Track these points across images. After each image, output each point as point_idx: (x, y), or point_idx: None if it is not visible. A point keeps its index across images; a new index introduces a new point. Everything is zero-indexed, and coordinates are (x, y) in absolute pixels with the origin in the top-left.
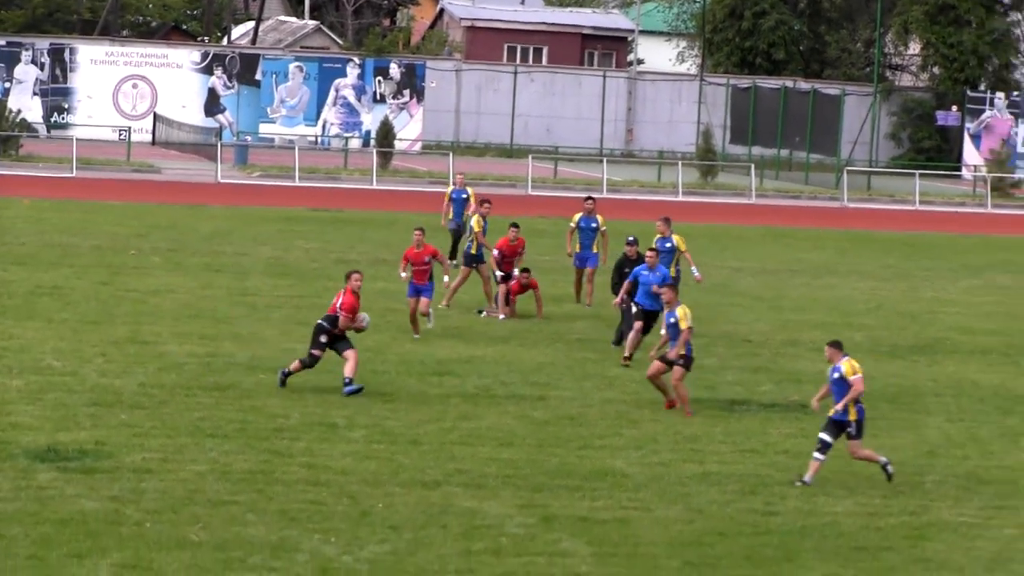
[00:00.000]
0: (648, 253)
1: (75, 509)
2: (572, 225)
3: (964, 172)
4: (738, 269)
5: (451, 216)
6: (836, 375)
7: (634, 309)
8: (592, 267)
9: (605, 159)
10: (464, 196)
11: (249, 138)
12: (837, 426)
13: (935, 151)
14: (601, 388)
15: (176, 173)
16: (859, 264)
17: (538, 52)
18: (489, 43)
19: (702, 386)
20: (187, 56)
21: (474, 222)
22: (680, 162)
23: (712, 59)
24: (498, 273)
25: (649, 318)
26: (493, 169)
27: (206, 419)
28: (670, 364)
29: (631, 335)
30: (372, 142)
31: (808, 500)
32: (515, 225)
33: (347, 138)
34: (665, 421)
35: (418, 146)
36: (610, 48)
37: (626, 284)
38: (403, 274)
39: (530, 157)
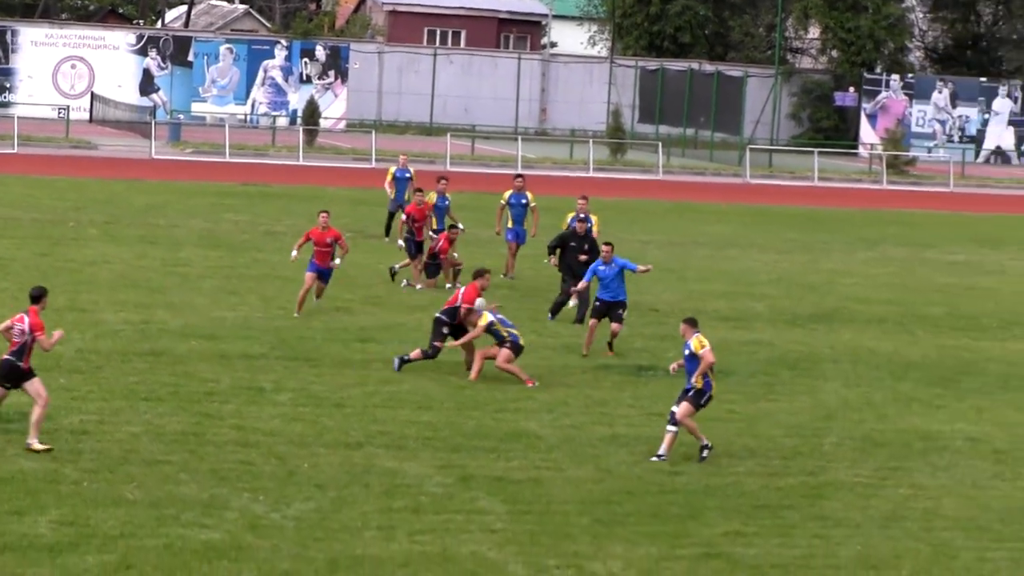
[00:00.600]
0: (604, 247)
1: (15, 468)
2: (502, 202)
3: (861, 150)
4: (646, 242)
5: (394, 195)
6: (687, 351)
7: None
8: (523, 243)
9: (520, 137)
10: (407, 176)
11: (182, 116)
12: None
13: (833, 130)
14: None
15: (112, 150)
16: (761, 237)
17: (456, 35)
18: (410, 27)
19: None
20: (123, 38)
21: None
22: (591, 140)
23: (622, 43)
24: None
25: (610, 309)
26: (413, 146)
27: (141, 383)
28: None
29: (588, 334)
30: (298, 120)
31: (712, 461)
32: (419, 190)
33: (275, 116)
34: (576, 386)
35: (342, 124)
36: (525, 32)
37: (583, 283)
38: (294, 252)
39: (448, 135)
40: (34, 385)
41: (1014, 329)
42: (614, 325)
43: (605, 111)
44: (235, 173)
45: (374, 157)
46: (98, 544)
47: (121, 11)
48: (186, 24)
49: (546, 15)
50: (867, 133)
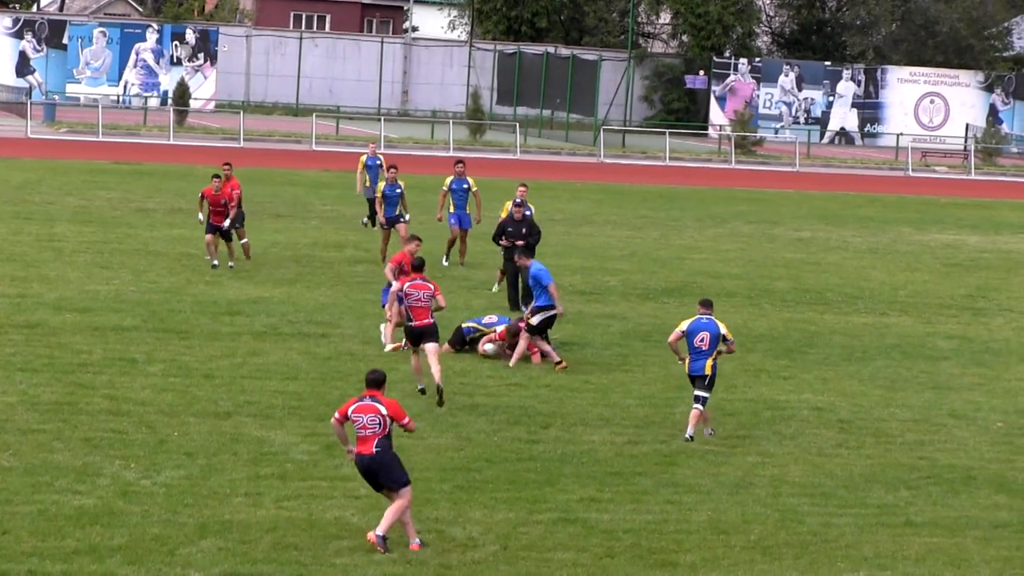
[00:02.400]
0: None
1: None
2: (444, 188)
3: (710, 131)
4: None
5: (368, 183)
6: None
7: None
8: (467, 227)
9: (383, 118)
10: (378, 163)
11: (57, 97)
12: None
13: (684, 112)
14: (377, 327)
15: None
16: (615, 215)
17: (321, 20)
18: (277, 11)
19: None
20: (0, 22)
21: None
22: (451, 121)
23: (481, 27)
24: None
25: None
26: (280, 127)
27: (16, 354)
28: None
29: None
30: (169, 101)
31: (567, 430)
32: (217, 176)
33: (146, 97)
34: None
35: (212, 105)
36: (387, 16)
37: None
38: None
39: (314, 116)
40: None
41: (857, 303)
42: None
43: (465, 93)
44: (108, 152)
45: (242, 136)
46: None
47: None
48: (61, 8)
49: (408, 0)
50: (716, 115)
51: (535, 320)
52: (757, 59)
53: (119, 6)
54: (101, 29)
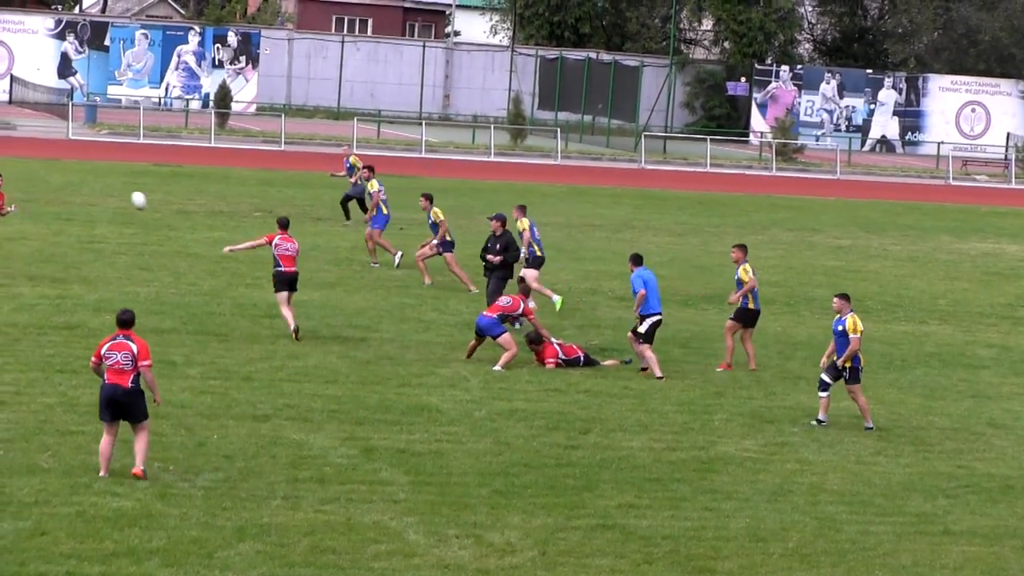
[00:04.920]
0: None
1: None
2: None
3: (751, 138)
4: (544, 224)
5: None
6: (839, 327)
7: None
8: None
9: (424, 122)
10: (348, 165)
11: (98, 99)
12: (836, 370)
13: (725, 118)
14: (418, 331)
15: (31, 130)
16: (655, 220)
17: (364, 23)
18: (319, 14)
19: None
20: (42, 23)
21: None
22: (492, 126)
23: (523, 32)
24: None
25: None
26: (321, 130)
27: (56, 356)
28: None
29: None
30: (211, 104)
31: (606, 435)
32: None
33: (188, 100)
34: (476, 362)
35: (253, 108)
36: (429, 20)
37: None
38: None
39: (355, 119)
40: None
41: (896, 311)
42: None
43: (506, 98)
44: (149, 154)
45: (283, 140)
46: (13, 511)
47: None
48: (103, 10)
49: (450, 5)
50: (757, 122)
51: (643, 328)
52: (799, 66)
53: (161, 8)
54: (143, 31)
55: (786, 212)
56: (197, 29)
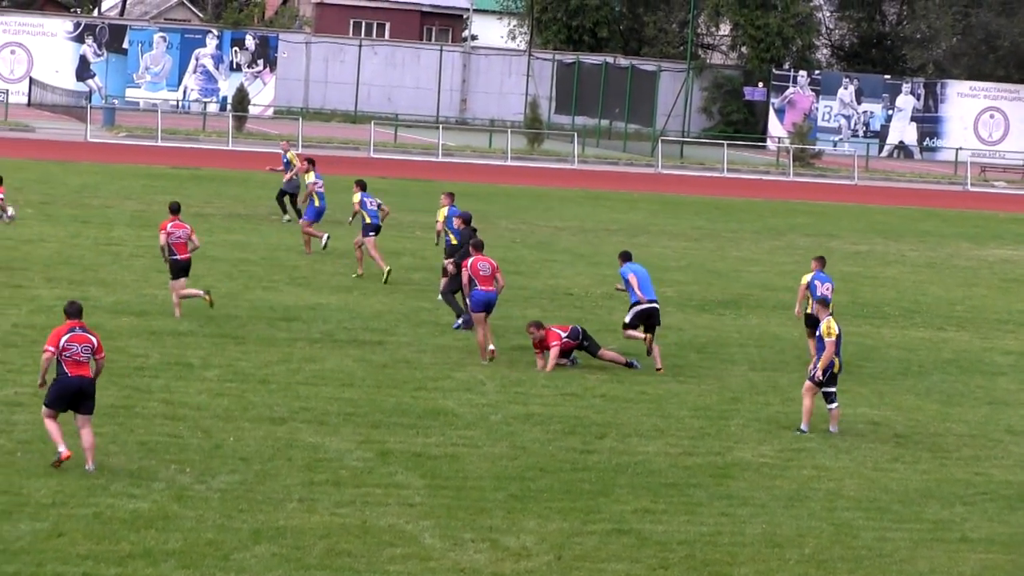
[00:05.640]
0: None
1: None
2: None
3: (769, 143)
4: (560, 228)
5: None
6: (818, 332)
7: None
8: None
9: (441, 126)
10: (286, 160)
11: (116, 101)
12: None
13: (743, 124)
14: (435, 335)
15: (49, 132)
16: (671, 225)
17: (381, 27)
18: (336, 18)
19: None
20: (61, 26)
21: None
22: (509, 130)
23: (541, 36)
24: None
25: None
26: (338, 134)
27: None
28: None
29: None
30: (228, 107)
31: (622, 440)
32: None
33: (206, 103)
34: (492, 366)
35: (270, 111)
36: (447, 25)
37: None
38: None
39: (372, 123)
40: None
41: (914, 317)
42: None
43: (523, 102)
44: (166, 157)
45: (301, 143)
46: (31, 512)
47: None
48: (121, 13)
49: (467, 9)
50: (775, 127)
51: (628, 316)
52: (816, 72)
53: (179, 11)
54: (161, 34)
55: (803, 218)
56: (215, 32)
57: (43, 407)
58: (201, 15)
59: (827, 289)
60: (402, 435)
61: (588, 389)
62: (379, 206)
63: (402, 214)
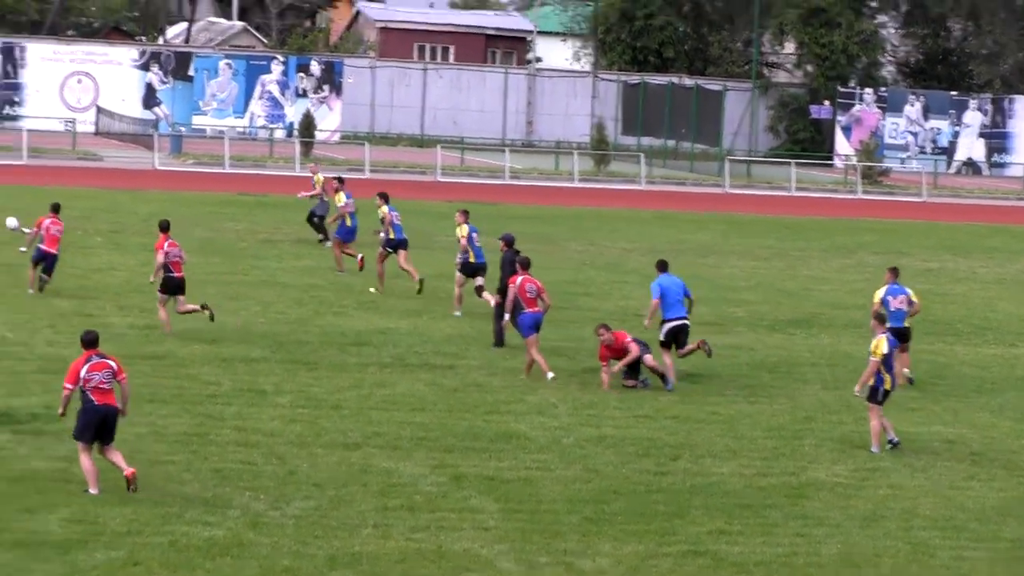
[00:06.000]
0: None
1: (27, 468)
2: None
3: (836, 161)
4: (629, 249)
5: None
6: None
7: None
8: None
9: (507, 149)
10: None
11: (183, 129)
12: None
13: (809, 142)
14: (505, 358)
15: (117, 161)
16: (740, 245)
17: (445, 51)
18: (401, 43)
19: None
20: (127, 54)
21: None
22: (576, 151)
23: (606, 58)
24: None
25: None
26: (405, 158)
27: (145, 385)
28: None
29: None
30: (295, 133)
31: (696, 462)
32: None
33: (272, 129)
34: (564, 389)
35: (337, 136)
36: (511, 47)
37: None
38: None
39: (439, 147)
40: None
41: (986, 334)
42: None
43: (589, 123)
44: (234, 183)
45: (367, 168)
46: (106, 541)
47: (124, 28)
48: (187, 40)
49: (531, 31)
50: (842, 145)
51: (661, 335)
52: (882, 89)
53: (244, 38)
54: (227, 61)
55: (872, 235)
56: (280, 58)
57: (77, 443)
58: (266, 42)
59: (901, 302)
60: (475, 459)
61: (660, 410)
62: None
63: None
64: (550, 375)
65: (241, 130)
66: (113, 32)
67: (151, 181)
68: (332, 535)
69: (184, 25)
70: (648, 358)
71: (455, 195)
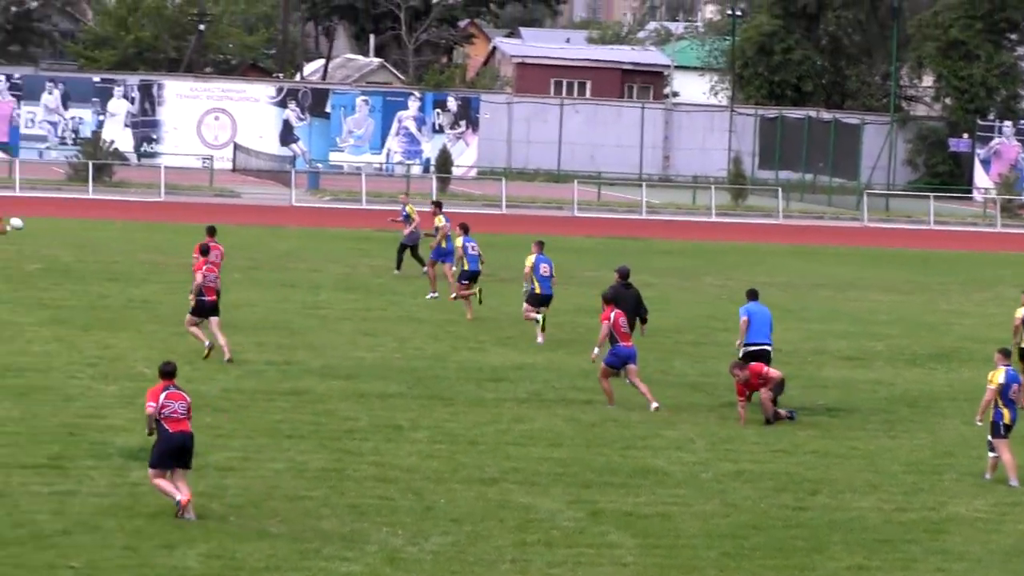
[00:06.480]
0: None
1: (165, 504)
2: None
3: (975, 194)
4: (767, 283)
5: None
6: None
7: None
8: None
9: (644, 183)
10: (406, 213)
11: (320, 165)
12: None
13: (948, 175)
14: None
15: (254, 197)
16: (879, 279)
17: (582, 86)
18: (537, 78)
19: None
20: (264, 91)
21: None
22: (713, 186)
23: (743, 92)
24: None
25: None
26: (542, 193)
27: (283, 421)
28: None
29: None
30: (432, 168)
31: (835, 496)
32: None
33: (409, 165)
34: (702, 424)
35: (473, 172)
36: (648, 82)
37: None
38: None
39: (575, 182)
40: None
41: None
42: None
43: (726, 157)
44: (371, 219)
45: (504, 203)
46: None
47: (261, 65)
48: (323, 77)
49: (668, 66)
50: (981, 178)
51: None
52: (1022, 121)
53: (381, 74)
54: (364, 97)
55: (1012, 268)
56: (417, 94)
57: (149, 470)
58: (403, 78)
59: None
60: (613, 494)
61: (798, 445)
62: (479, 254)
63: (608, 272)
64: (612, 405)
65: (378, 166)
66: (250, 69)
67: (288, 217)
68: (470, 571)
69: (321, 62)
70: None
71: (592, 230)
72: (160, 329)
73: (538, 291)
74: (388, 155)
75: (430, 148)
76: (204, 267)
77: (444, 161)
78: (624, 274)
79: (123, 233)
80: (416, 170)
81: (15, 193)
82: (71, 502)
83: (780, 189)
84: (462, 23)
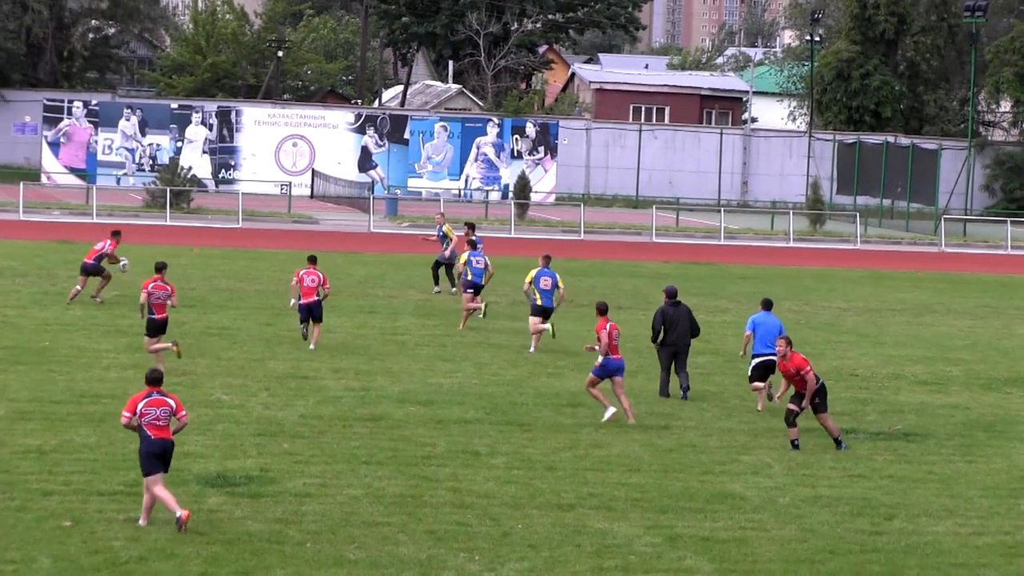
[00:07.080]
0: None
1: (242, 530)
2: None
3: None
4: (845, 309)
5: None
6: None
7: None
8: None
9: (722, 209)
10: (442, 232)
11: (399, 191)
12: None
13: None
14: (720, 418)
15: (333, 224)
16: (956, 304)
17: (660, 111)
18: (616, 104)
19: (814, 417)
20: (342, 117)
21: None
22: (791, 211)
23: (822, 117)
24: None
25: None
26: (620, 219)
27: (361, 447)
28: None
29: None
30: (510, 194)
31: (911, 521)
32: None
33: (487, 191)
34: (779, 449)
35: (552, 198)
36: (726, 107)
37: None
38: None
39: (654, 207)
40: None
41: None
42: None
43: (804, 183)
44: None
45: (583, 229)
46: None
47: (340, 91)
48: (402, 103)
49: (747, 92)
50: None
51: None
52: None
53: (459, 100)
54: (442, 123)
55: None
56: (495, 120)
57: (146, 478)
58: (481, 104)
59: None
60: (690, 519)
61: (875, 470)
62: (485, 266)
63: (684, 298)
64: (616, 416)
65: (456, 192)
66: (329, 95)
67: (366, 244)
68: None
69: (400, 88)
70: (826, 418)
71: (670, 256)
72: (238, 356)
73: (539, 303)
74: (467, 181)
75: (508, 174)
76: (151, 283)
77: (522, 187)
78: (671, 294)
79: (201, 260)
80: (495, 196)
81: (92, 220)
82: (147, 529)
83: (858, 214)
84: (541, 49)
